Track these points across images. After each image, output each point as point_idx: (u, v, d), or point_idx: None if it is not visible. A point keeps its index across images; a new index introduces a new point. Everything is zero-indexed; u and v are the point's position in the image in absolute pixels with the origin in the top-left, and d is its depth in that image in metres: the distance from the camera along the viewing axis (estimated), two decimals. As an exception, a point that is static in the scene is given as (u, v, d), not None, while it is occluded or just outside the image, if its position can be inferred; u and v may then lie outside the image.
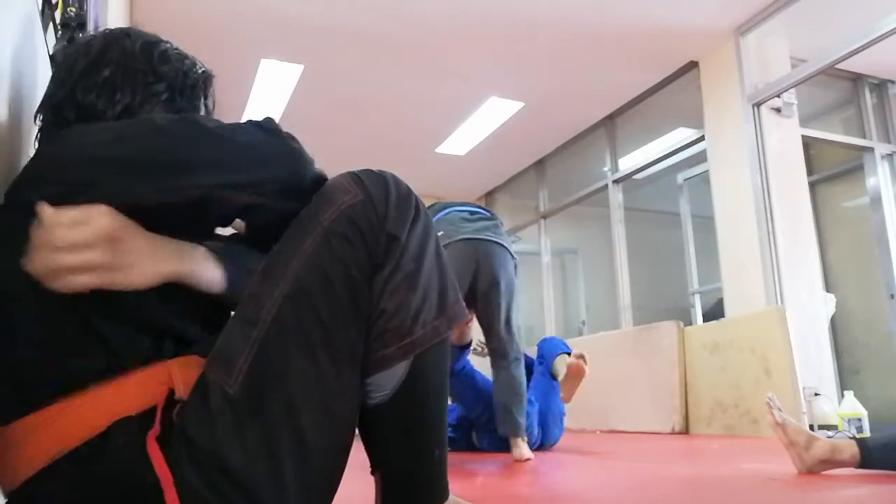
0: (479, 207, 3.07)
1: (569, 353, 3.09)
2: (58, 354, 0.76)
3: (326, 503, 0.84)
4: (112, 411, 0.75)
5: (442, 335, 0.86)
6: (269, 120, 0.87)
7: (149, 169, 0.78)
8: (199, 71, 1.00)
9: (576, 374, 2.95)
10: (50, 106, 0.90)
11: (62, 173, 0.78)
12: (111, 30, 0.97)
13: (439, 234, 2.64)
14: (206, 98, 1.01)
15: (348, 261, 0.81)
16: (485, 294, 2.78)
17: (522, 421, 2.69)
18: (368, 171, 0.88)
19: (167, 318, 0.80)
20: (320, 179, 0.88)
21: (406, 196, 0.88)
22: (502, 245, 2.86)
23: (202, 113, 1.01)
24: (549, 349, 3.20)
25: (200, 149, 0.80)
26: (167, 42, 0.99)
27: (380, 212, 0.84)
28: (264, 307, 0.79)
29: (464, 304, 0.91)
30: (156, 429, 0.74)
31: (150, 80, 0.93)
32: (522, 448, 2.64)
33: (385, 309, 0.82)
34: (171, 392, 0.78)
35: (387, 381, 0.84)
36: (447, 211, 2.98)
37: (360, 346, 0.82)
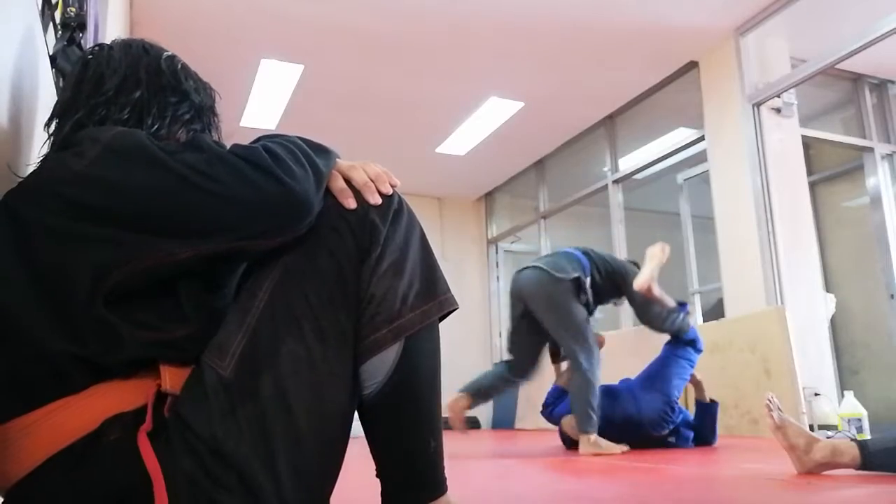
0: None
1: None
2: (55, 361, 0.76)
3: (321, 493, 0.85)
4: (106, 410, 0.76)
5: (431, 318, 0.88)
6: (254, 153, 0.81)
7: (182, 230, 0.78)
8: (211, 92, 1.02)
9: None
10: (77, 126, 0.89)
11: (112, 219, 0.76)
12: (127, 43, 0.97)
13: None
14: (214, 115, 1.03)
15: (336, 249, 0.84)
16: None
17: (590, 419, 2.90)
18: None
19: (161, 351, 0.81)
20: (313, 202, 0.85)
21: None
22: (542, 269, 3.06)
23: (214, 131, 1.02)
24: None
25: (230, 206, 0.78)
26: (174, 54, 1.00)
27: (364, 204, 0.87)
28: (257, 296, 0.82)
29: (452, 295, 0.93)
30: (147, 424, 0.75)
31: (175, 100, 0.95)
32: (586, 445, 2.89)
33: (374, 294, 0.85)
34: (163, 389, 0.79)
35: (379, 368, 0.86)
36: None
37: (349, 332, 0.84)
